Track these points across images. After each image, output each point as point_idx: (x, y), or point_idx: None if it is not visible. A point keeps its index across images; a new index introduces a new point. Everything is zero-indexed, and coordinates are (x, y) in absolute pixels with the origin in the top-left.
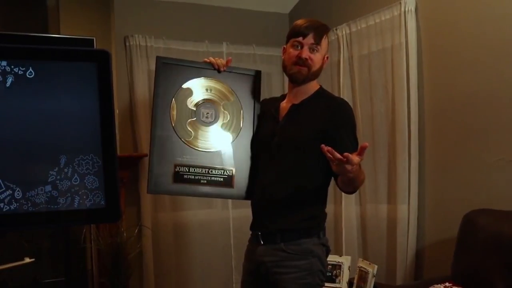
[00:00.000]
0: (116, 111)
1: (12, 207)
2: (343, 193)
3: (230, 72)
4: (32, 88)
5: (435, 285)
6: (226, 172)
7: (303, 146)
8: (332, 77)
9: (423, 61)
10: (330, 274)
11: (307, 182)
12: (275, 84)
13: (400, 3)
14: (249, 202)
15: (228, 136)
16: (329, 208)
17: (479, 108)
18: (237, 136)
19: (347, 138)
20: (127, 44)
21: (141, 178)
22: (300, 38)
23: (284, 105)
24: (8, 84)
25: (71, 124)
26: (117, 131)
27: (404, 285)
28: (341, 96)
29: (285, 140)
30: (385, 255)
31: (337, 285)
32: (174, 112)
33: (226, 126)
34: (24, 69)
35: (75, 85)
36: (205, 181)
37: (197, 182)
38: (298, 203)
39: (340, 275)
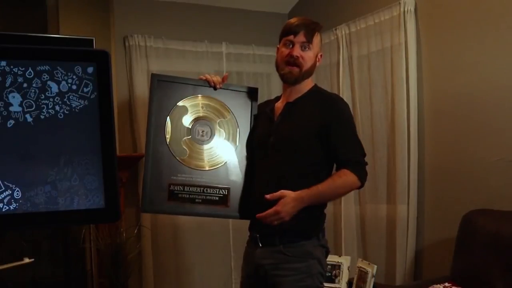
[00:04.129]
0: (115, 111)
1: (11, 207)
2: None
3: (226, 89)
4: (31, 88)
5: (435, 285)
6: (221, 191)
7: (299, 145)
8: (331, 77)
9: (422, 61)
10: (329, 274)
11: (304, 183)
12: (275, 84)
13: (400, 3)
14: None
15: (223, 155)
16: (329, 208)
17: (479, 108)
18: (230, 156)
19: (341, 131)
20: (127, 44)
21: (140, 178)
22: (291, 37)
23: (279, 104)
24: (7, 84)
25: (70, 124)
26: (116, 131)
27: (404, 285)
28: (341, 96)
29: (281, 140)
30: (384, 255)
31: (336, 285)
32: (169, 130)
33: (221, 144)
34: (23, 69)
35: (74, 85)
36: (200, 200)
37: (192, 201)
38: None
39: (339, 275)
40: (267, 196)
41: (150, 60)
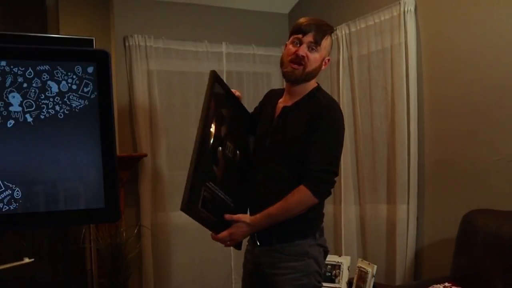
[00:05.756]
0: (115, 111)
1: (11, 207)
2: (342, 193)
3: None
4: (31, 88)
5: (435, 285)
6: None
7: (290, 151)
8: (331, 77)
9: (422, 61)
10: (329, 274)
11: (297, 185)
12: (275, 85)
13: (400, 3)
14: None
15: (240, 177)
16: (328, 208)
17: (479, 108)
18: (244, 180)
19: (316, 143)
20: (127, 44)
21: (140, 178)
22: (300, 35)
23: (280, 104)
24: (7, 84)
25: (70, 124)
26: (116, 131)
27: (404, 285)
28: (341, 96)
29: (274, 145)
30: (384, 255)
31: (336, 285)
32: (212, 134)
33: (240, 167)
34: (23, 69)
35: (75, 85)
36: (220, 218)
37: (215, 215)
38: None
39: (339, 275)
40: (226, 216)
41: (150, 60)
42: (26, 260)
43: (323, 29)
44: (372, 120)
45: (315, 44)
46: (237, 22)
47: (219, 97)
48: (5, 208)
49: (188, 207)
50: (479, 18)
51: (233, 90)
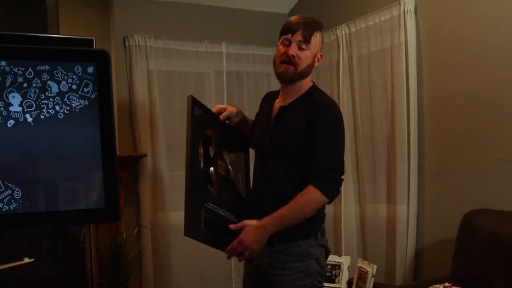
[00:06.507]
0: (115, 111)
1: (11, 207)
2: (342, 193)
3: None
4: (31, 88)
5: (434, 285)
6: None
7: (289, 152)
8: (331, 77)
9: (422, 61)
10: (329, 274)
11: (295, 187)
12: (275, 84)
13: (400, 3)
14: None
15: (236, 193)
16: (328, 208)
17: (479, 108)
18: (239, 195)
19: (319, 142)
20: (127, 44)
21: (140, 178)
22: (289, 35)
23: (276, 104)
24: (7, 84)
25: (70, 124)
26: (116, 131)
27: (404, 285)
28: (341, 96)
29: (272, 146)
30: (384, 255)
31: (336, 285)
32: (202, 156)
33: (233, 183)
34: (23, 69)
35: (75, 85)
36: (225, 235)
37: (219, 233)
38: None
39: (339, 275)
40: (231, 226)
41: (150, 60)
42: (26, 260)
43: (312, 26)
44: (372, 120)
45: (305, 43)
46: (237, 22)
47: (201, 119)
48: (5, 208)
49: (192, 232)
50: (479, 18)
51: (217, 106)
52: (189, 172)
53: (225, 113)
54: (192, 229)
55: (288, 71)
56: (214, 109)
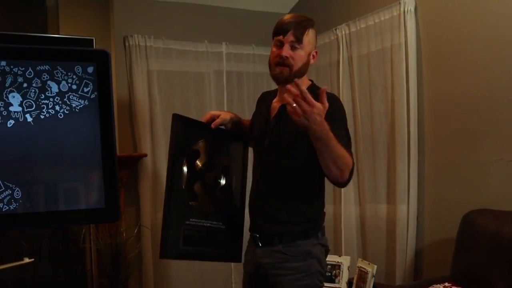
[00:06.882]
0: (115, 111)
1: (11, 207)
2: (342, 193)
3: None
4: (31, 88)
5: (434, 285)
6: (226, 235)
7: (293, 148)
8: (331, 77)
9: (422, 61)
10: (329, 274)
11: (299, 185)
12: (275, 85)
13: (400, 3)
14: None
15: (226, 199)
16: (328, 208)
17: (479, 108)
18: (232, 199)
19: (333, 129)
20: (127, 44)
21: (140, 178)
22: (281, 36)
23: (275, 104)
24: (7, 84)
25: (70, 124)
26: (116, 131)
27: (404, 285)
28: (341, 96)
29: (275, 143)
30: (384, 255)
31: (336, 285)
32: (185, 174)
33: (226, 188)
34: (23, 69)
35: (75, 85)
36: (210, 245)
37: (203, 245)
38: (292, 206)
39: (339, 275)
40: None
41: (150, 60)
42: (26, 260)
43: (303, 25)
44: (372, 120)
45: (297, 42)
46: (237, 22)
47: (186, 135)
48: (5, 208)
49: (166, 253)
50: (479, 18)
51: (210, 113)
52: (167, 196)
53: (217, 121)
54: (166, 251)
55: (283, 73)
56: (207, 116)
